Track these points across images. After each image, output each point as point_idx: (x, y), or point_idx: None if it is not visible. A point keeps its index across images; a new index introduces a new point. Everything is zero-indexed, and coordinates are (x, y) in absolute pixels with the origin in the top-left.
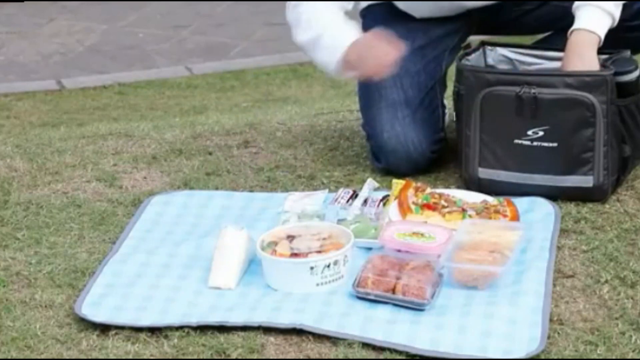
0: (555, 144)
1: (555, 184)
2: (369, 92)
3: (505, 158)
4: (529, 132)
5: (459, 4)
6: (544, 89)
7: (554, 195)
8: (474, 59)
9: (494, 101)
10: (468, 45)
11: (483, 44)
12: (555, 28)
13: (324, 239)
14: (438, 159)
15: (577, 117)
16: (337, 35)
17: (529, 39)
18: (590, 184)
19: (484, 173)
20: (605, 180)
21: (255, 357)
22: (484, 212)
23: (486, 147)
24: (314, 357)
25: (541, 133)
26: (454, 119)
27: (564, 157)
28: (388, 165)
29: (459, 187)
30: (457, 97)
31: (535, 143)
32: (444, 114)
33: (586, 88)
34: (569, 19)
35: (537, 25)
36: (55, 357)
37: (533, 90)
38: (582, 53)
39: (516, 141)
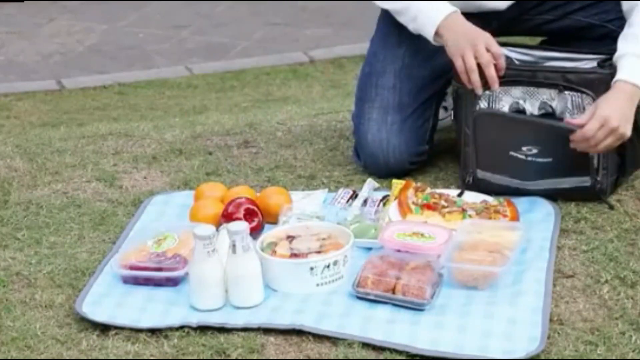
0: (549, 159)
1: (554, 186)
2: (367, 84)
3: (501, 166)
4: (523, 148)
5: (479, 5)
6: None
7: (553, 195)
8: None
9: (488, 119)
10: None
11: None
12: (575, 39)
13: (324, 239)
14: (441, 158)
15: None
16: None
17: (530, 39)
18: (589, 184)
19: (483, 173)
20: (604, 180)
21: (255, 357)
22: (484, 212)
23: (483, 154)
24: (314, 357)
25: (535, 150)
26: (454, 119)
27: (560, 169)
28: (365, 165)
29: (459, 187)
30: (457, 96)
31: (529, 158)
32: (435, 125)
33: (586, 87)
34: (592, 32)
35: (557, 34)
36: (55, 357)
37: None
38: (619, 104)
39: (511, 153)
